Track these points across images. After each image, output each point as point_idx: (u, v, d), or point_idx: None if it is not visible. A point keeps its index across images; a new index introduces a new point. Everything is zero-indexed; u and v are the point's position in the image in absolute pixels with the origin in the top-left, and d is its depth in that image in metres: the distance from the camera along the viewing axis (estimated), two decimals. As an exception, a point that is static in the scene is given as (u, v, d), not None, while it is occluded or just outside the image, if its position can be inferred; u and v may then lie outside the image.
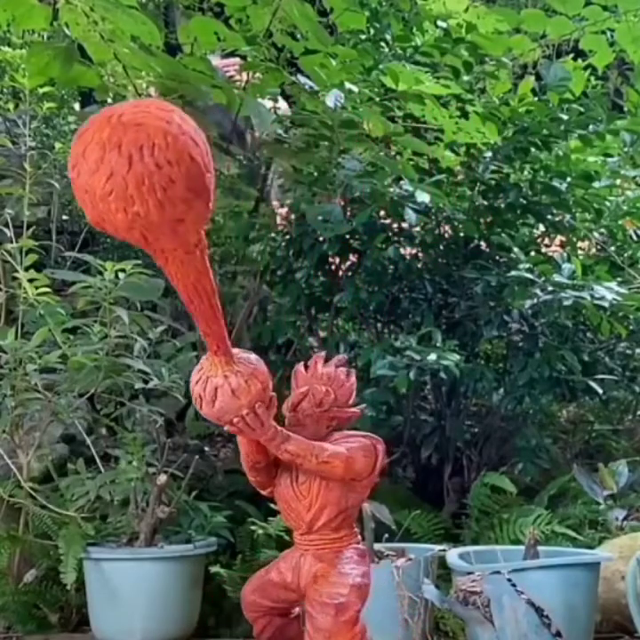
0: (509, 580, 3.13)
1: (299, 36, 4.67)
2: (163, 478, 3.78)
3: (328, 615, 2.17)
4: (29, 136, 4.83)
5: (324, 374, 2.28)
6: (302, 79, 4.45)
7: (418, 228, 4.71)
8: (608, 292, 4.09)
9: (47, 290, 4.04)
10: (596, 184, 4.76)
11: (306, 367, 2.36)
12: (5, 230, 4.32)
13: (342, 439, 2.24)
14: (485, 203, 4.66)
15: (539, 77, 4.93)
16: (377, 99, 4.33)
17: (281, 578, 2.34)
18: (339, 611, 2.18)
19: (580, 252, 5.16)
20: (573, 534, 3.93)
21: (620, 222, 5.01)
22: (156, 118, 1.52)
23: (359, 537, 2.28)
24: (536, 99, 4.70)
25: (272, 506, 3.67)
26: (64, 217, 5.31)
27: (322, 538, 2.25)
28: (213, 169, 1.59)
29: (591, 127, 4.62)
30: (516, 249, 4.39)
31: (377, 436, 2.33)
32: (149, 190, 1.51)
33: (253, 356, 2.13)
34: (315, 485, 2.22)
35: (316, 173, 4.69)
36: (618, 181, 5.12)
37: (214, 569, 3.86)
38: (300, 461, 2.17)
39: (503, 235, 4.59)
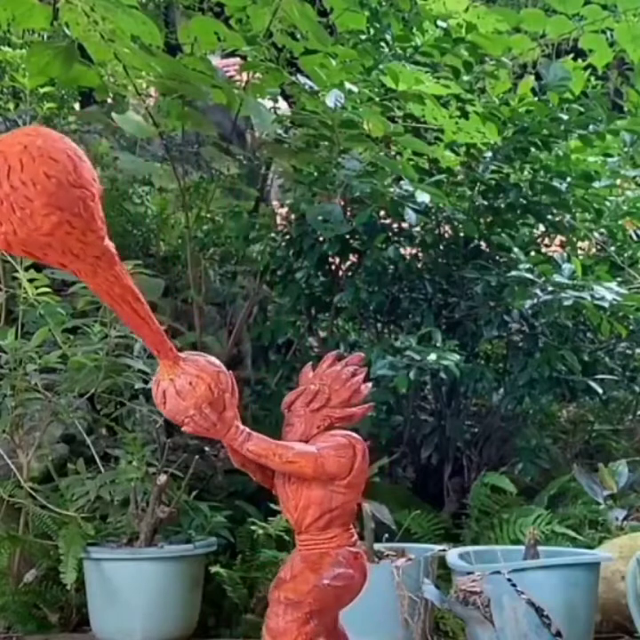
0: (509, 579, 3.13)
1: (299, 36, 4.67)
2: (163, 478, 3.78)
3: (277, 615, 2.12)
4: (29, 136, 4.82)
5: (325, 373, 2.26)
6: (302, 79, 4.45)
7: (418, 228, 4.71)
8: (608, 292, 4.09)
9: (47, 290, 4.04)
10: (596, 184, 4.76)
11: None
12: (5, 230, 4.31)
13: (322, 438, 2.22)
14: (485, 203, 4.66)
15: (538, 77, 4.93)
16: (377, 99, 4.33)
17: (281, 577, 2.34)
18: (287, 610, 2.13)
19: (580, 252, 5.16)
20: (573, 534, 3.93)
21: (619, 222, 5.00)
22: (14, 144, 1.70)
23: (354, 538, 2.24)
24: (536, 98, 4.70)
25: (272, 506, 3.68)
26: (64, 217, 5.30)
27: (312, 538, 2.23)
28: (92, 183, 1.84)
29: (591, 127, 4.62)
30: (515, 249, 4.39)
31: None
32: (9, 210, 1.69)
33: (203, 358, 2.14)
34: (301, 486, 2.21)
35: (316, 173, 4.69)
36: (618, 181, 5.12)
37: (214, 569, 3.86)
38: (265, 461, 2.15)
39: (503, 235, 4.59)
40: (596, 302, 4.05)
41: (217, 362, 2.16)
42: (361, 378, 2.25)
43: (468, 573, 3.24)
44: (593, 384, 4.42)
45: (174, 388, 2.07)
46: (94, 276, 1.89)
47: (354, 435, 2.22)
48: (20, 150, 1.70)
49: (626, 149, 4.99)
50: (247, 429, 2.16)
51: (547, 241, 5.07)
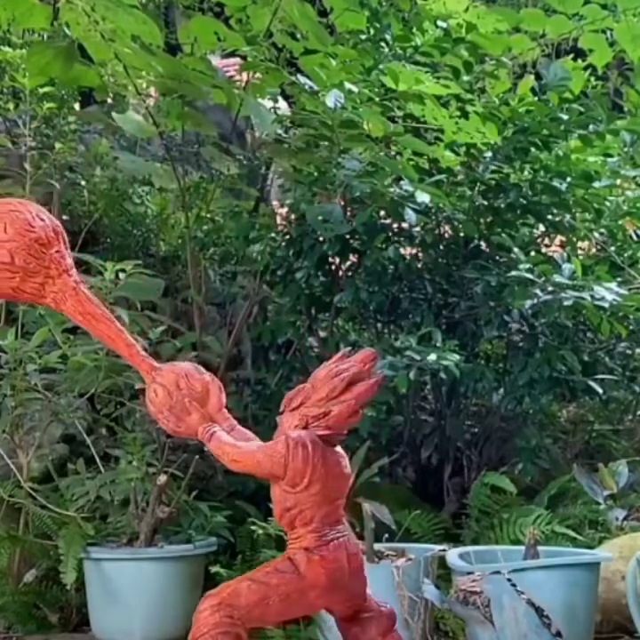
0: (509, 580, 3.13)
1: (299, 36, 4.67)
2: (163, 478, 3.78)
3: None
4: (29, 136, 4.83)
5: (319, 371, 2.24)
6: (302, 79, 4.45)
7: (418, 228, 4.71)
8: (608, 292, 4.09)
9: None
10: (596, 184, 4.75)
11: None
12: (5, 230, 4.31)
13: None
14: (485, 203, 4.66)
15: (538, 77, 4.93)
16: (377, 99, 4.33)
17: None
18: (205, 600, 2.26)
19: (580, 251, 5.16)
20: (573, 534, 3.93)
21: (620, 222, 5.00)
22: None
23: (325, 540, 2.21)
24: (536, 98, 4.69)
25: (272, 506, 3.67)
26: (64, 217, 5.30)
27: (289, 537, 2.26)
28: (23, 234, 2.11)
29: (591, 127, 4.62)
30: (516, 249, 4.39)
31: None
32: None
33: (171, 366, 2.30)
34: (272, 485, 2.23)
35: (316, 173, 4.69)
36: (618, 181, 5.12)
37: (214, 569, 3.85)
38: (220, 460, 2.20)
39: (503, 235, 4.59)
40: (596, 302, 4.05)
41: (185, 368, 2.28)
42: (344, 376, 2.15)
43: (468, 573, 3.24)
44: (593, 384, 4.41)
45: (148, 395, 2.26)
46: (62, 304, 2.17)
47: (295, 434, 2.16)
48: None
49: (626, 149, 4.99)
50: (214, 429, 2.22)
51: (547, 241, 5.07)
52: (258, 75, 4.83)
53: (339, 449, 2.24)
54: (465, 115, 4.32)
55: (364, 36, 4.60)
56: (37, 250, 2.12)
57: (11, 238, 2.11)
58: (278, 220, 5.15)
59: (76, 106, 5.66)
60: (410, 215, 4.28)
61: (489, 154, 4.60)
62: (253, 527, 3.93)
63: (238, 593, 2.19)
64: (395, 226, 4.73)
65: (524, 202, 4.61)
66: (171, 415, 2.24)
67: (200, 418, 2.23)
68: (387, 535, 3.71)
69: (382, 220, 4.67)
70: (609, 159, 4.93)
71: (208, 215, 5.21)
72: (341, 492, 2.22)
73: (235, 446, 2.19)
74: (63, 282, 2.15)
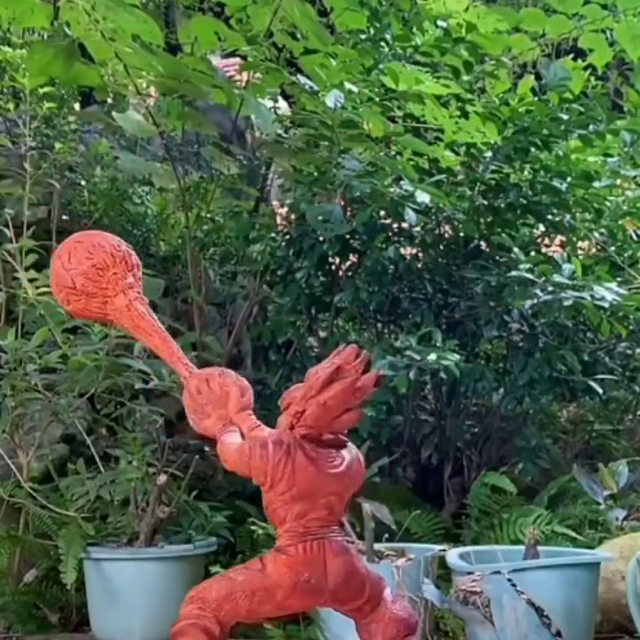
0: (509, 579, 3.13)
1: (299, 35, 4.67)
2: (163, 478, 3.78)
3: None
4: (29, 136, 4.82)
5: (311, 370, 2.26)
6: (302, 79, 4.45)
7: (418, 228, 4.71)
8: (608, 292, 4.08)
9: (47, 290, 4.04)
10: (596, 184, 4.75)
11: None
12: (5, 230, 4.32)
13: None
14: (485, 203, 4.66)
15: (538, 77, 4.93)
16: (377, 99, 4.32)
17: None
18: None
19: (580, 251, 5.16)
20: (573, 534, 3.93)
21: (620, 222, 5.00)
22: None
23: (284, 538, 2.20)
24: (536, 98, 4.69)
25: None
26: (64, 217, 5.31)
27: None
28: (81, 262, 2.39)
29: (591, 127, 4.62)
30: (516, 249, 4.39)
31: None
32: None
33: (199, 370, 2.42)
34: None
35: (316, 173, 4.69)
36: (618, 181, 5.12)
37: (214, 569, 3.85)
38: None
39: (503, 235, 4.59)
40: (596, 302, 4.05)
41: (208, 373, 2.38)
42: (320, 375, 2.15)
43: (468, 573, 3.24)
44: (593, 384, 4.41)
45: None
46: (120, 321, 2.44)
47: (260, 436, 2.21)
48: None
49: (626, 149, 4.99)
50: (225, 430, 2.26)
51: (547, 241, 5.07)
52: (258, 75, 4.83)
53: (340, 447, 2.25)
54: (465, 114, 4.31)
55: (363, 36, 4.60)
56: (94, 274, 2.35)
57: (73, 266, 2.36)
58: (278, 219, 5.15)
59: (76, 106, 5.66)
60: (410, 215, 4.28)
61: (489, 154, 4.60)
62: (253, 527, 3.93)
63: (210, 588, 2.25)
64: (395, 226, 4.73)
65: (524, 202, 4.61)
66: (195, 417, 2.34)
67: (216, 419, 2.31)
68: (387, 535, 3.71)
69: (382, 220, 4.67)
70: (609, 159, 4.93)
71: (208, 215, 5.21)
72: (324, 490, 2.19)
73: (227, 446, 2.23)
74: (119, 301, 2.40)
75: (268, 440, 2.18)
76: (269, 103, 5.10)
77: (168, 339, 2.43)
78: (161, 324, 2.44)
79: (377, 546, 3.51)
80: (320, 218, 4.30)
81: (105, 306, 2.39)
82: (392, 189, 4.40)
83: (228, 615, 2.22)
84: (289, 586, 2.18)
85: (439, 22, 4.61)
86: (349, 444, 2.27)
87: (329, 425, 2.18)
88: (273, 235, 4.82)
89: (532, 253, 4.57)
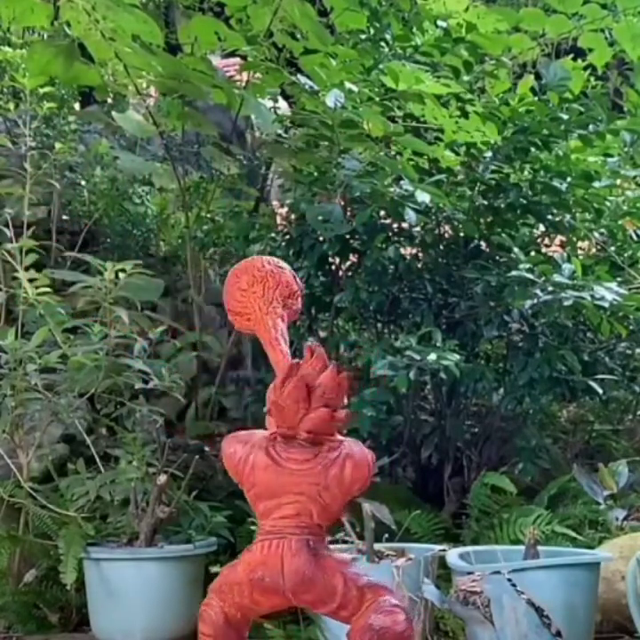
0: (509, 580, 3.13)
1: (299, 35, 4.67)
2: (163, 478, 3.78)
3: None
4: (29, 136, 4.83)
5: None
6: (302, 79, 4.45)
7: (418, 228, 4.71)
8: (608, 292, 4.08)
9: (47, 290, 4.04)
10: (596, 184, 4.75)
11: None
12: (5, 230, 4.32)
13: None
14: (485, 203, 4.65)
15: (538, 77, 4.93)
16: (377, 98, 4.32)
17: None
18: None
19: (580, 251, 5.16)
20: (573, 534, 3.92)
21: (619, 222, 5.00)
22: None
23: (257, 536, 2.23)
24: (536, 98, 4.69)
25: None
26: (64, 217, 5.32)
27: None
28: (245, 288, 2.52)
29: (591, 127, 4.62)
30: (516, 249, 4.39)
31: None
32: None
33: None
34: None
35: (316, 173, 4.68)
36: (618, 181, 5.12)
37: (214, 569, 3.85)
38: None
39: (503, 235, 4.59)
40: (596, 302, 4.05)
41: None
42: (279, 374, 2.20)
43: (468, 573, 3.23)
44: (593, 384, 4.41)
45: None
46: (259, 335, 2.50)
47: (232, 439, 2.26)
48: None
49: (626, 149, 4.99)
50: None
51: (547, 241, 5.07)
52: (258, 75, 4.83)
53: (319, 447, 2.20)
54: (465, 114, 4.31)
55: (363, 36, 4.60)
56: (239, 295, 2.51)
57: (227, 290, 2.56)
58: (278, 219, 5.15)
59: (76, 106, 5.67)
60: (410, 215, 4.28)
61: (489, 154, 4.59)
62: (253, 527, 3.92)
63: (217, 578, 2.32)
64: (395, 226, 4.72)
65: (524, 202, 4.61)
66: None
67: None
68: (387, 535, 3.71)
69: (382, 220, 4.67)
70: (609, 159, 4.93)
71: (208, 215, 5.21)
72: (289, 491, 2.17)
73: None
74: (258, 316, 2.50)
75: (230, 441, 2.25)
76: (269, 103, 5.11)
77: (286, 353, 2.44)
78: (285, 342, 2.45)
79: (377, 546, 3.51)
80: (320, 218, 4.30)
81: (250, 323, 2.52)
82: (392, 189, 4.40)
83: (227, 605, 2.25)
84: (246, 582, 2.21)
85: (439, 22, 4.61)
86: (346, 446, 2.21)
87: (294, 424, 2.18)
88: (273, 235, 4.82)
89: (532, 253, 4.57)
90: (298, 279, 2.54)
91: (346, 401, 2.23)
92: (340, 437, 2.22)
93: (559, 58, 5.48)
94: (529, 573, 3.20)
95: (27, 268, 4.09)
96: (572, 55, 5.39)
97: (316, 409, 2.17)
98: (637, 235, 5.10)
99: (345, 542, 3.62)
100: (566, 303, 4.08)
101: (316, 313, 4.94)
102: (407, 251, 4.82)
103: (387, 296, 4.63)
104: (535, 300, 4.17)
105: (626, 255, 5.02)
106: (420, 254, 4.86)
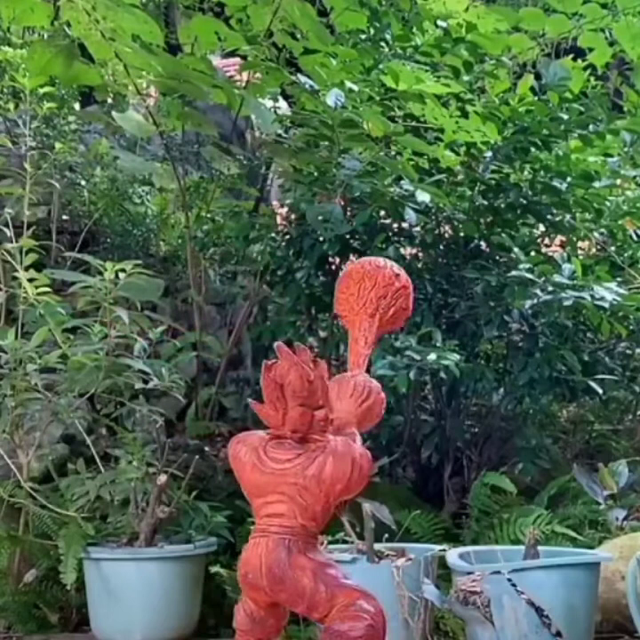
0: (509, 579, 3.13)
1: (299, 35, 4.67)
2: (163, 478, 3.78)
3: None
4: (29, 136, 4.83)
5: None
6: (302, 79, 4.45)
7: (418, 228, 4.71)
8: (608, 292, 4.08)
9: (47, 290, 4.04)
10: (596, 184, 4.75)
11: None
12: (5, 230, 4.32)
13: None
14: (485, 203, 4.65)
15: (538, 76, 4.93)
16: (377, 98, 4.32)
17: None
18: None
19: (580, 251, 5.16)
20: (573, 534, 3.93)
21: (619, 222, 5.00)
22: None
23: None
24: (536, 98, 4.69)
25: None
26: (64, 217, 5.31)
27: None
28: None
29: (591, 127, 4.62)
30: (516, 249, 4.39)
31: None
32: None
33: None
34: None
35: (316, 173, 4.69)
36: (618, 181, 5.12)
37: (214, 569, 3.86)
38: None
39: (503, 235, 4.59)
40: (596, 302, 4.05)
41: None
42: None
43: (468, 573, 3.23)
44: (593, 384, 4.41)
45: None
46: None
47: (236, 439, 2.29)
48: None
49: (626, 149, 4.99)
50: None
51: (547, 241, 5.07)
52: (258, 75, 4.83)
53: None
54: (465, 114, 4.31)
55: (363, 36, 4.59)
56: (341, 297, 2.57)
57: (337, 294, 2.59)
58: (278, 219, 5.15)
59: (76, 106, 5.66)
60: (410, 215, 4.28)
61: (489, 154, 4.59)
62: (253, 527, 3.92)
63: None
64: (395, 226, 4.73)
65: (524, 202, 4.61)
66: None
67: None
68: (387, 535, 3.71)
69: (382, 220, 4.67)
70: (609, 159, 4.93)
71: (208, 215, 5.21)
72: (272, 490, 2.18)
73: None
74: (350, 318, 2.57)
75: (232, 442, 2.29)
76: (269, 103, 5.10)
77: (361, 351, 2.54)
78: (365, 342, 2.54)
79: (377, 546, 3.51)
80: (320, 218, 4.30)
81: (347, 324, 2.60)
82: (392, 189, 4.40)
83: (245, 601, 2.28)
84: (241, 579, 2.25)
85: (439, 22, 4.61)
86: (331, 445, 2.19)
87: (278, 425, 2.20)
88: (273, 235, 4.82)
89: (532, 253, 4.57)
90: (401, 276, 2.56)
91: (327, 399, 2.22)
92: (329, 437, 2.20)
93: (559, 58, 5.47)
94: (529, 573, 3.20)
95: (27, 268, 4.09)
96: (572, 55, 5.39)
97: (293, 408, 2.18)
98: (637, 235, 5.10)
99: (345, 542, 3.62)
100: (566, 303, 4.09)
101: (316, 313, 4.94)
102: (407, 251, 4.82)
103: (387, 296, 4.63)
104: (535, 300, 4.17)
105: (626, 255, 5.02)
106: (420, 254, 4.86)
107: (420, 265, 4.82)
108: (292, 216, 4.83)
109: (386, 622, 2.20)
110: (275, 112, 5.05)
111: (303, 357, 2.18)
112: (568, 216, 4.78)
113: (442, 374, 4.04)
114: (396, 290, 2.55)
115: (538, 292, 4.15)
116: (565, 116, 4.54)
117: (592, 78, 5.27)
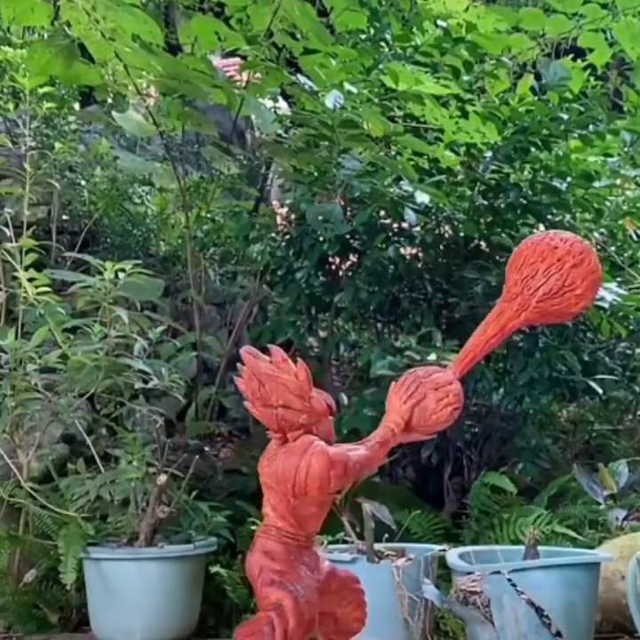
0: (509, 579, 3.13)
1: (299, 35, 4.67)
2: (163, 478, 3.78)
3: None
4: (29, 136, 4.83)
5: None
6: (302, 79, 4.45)
7: (418, 228, 4.71)
8: (608, 292, 4.09)
9: (47, 290, 4.04)
10: (596, 184, 4.75)
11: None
12: (5, 230, 4.32)
13: None
14: (485, 203, 4.65)
15: (538, 77, 4.93)
16: (377, 99, 4.32)
17: None
18: None
19: (579, 251, 5.15)
20: (573, 534, 3.93)
21: (620, 222, 5.00)
22: None
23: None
24: (536, 98, 4.69)
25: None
26: (64, 217, 5.32)
27: None
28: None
29: (591, 127, 4.62)
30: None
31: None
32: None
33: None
34: None
35: (316, 173, 4.69)
36: (618, 181, 5.12)
37: (214, 569, 3.86)
38: None
39: (503, 235, 4.59)
40: (596, 302, 4.05)
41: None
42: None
43: (468, 573, 3.23)
44: (593, 384, 4.41)
45: None
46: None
47: None
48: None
49: (626, 149, 4.99)
50: None
51: (547, 241, 5.06)
52: (258, 75, 4.83)
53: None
54: (465, 114, 4.31)
55: (363, 36, 4.60)
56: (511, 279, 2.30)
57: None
58: (278, 219, 5.15)
59: (76, 105, 5.66)
60: (410, 215, 4.28)
61: (489, 154, 4.59)
62: (253, 527, 3.92)
63: None
64: (395, 226, 4.72)
65: (524, 202, 4.61)
66: None
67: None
68: (387, 535, 3.71)
69: (382, 220, 4.67)
70: (609, 159, 4.93)
71: (208, 215, 5.21)
72: (263, 487, 2.19)
73: None
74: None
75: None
76: (269, 103, 5.10)
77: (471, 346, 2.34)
78: (495, 324, 2.31)
79: (377, 546, 3.51)
80: (320, 218, 4.30)
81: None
82: (392, 189, 4.40)
83: None
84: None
85: (439, 22, 4.60)
86: (290, 444, 2.17)
87: (275, 427, 2.19)
88: (273, 235, 4.82)
89: (533, 253, 4.56)
90: (575, 250, 2.28)
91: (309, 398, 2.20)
92: (311, 437, 2.16)
93: (559, 58, 5.48)
94: (529, 573, 3.20)
95: (27, 268, 4.10)
96: (572, 55, 5.39)
97: (257, 408, 2.20)
98: (637, 235, 5.10)
99: (345, 542, 3.62)
100: (566, 303, 4.08)
101: (316, 313, 4.94)
102: (407, 251, 4.82)
103: (387, 296, 4.63)
104: (535, 300, 4.16)
105: (626, 255, 5.02)
106: (420, 254, 4.86)
107: (420, 265, 4.82)
108: (292, 216, 4.83)
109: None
110: (275, 112, 5.05)
111: (275, 359, 2.20)
112: (568, 216, 4.78)
113: (442, 374, 4.03)
114: (547, 266, 2.27)
115: (538, 291, 4.14)
116: (565, 116, 4.54)
117: (592, 78, 5.27)
